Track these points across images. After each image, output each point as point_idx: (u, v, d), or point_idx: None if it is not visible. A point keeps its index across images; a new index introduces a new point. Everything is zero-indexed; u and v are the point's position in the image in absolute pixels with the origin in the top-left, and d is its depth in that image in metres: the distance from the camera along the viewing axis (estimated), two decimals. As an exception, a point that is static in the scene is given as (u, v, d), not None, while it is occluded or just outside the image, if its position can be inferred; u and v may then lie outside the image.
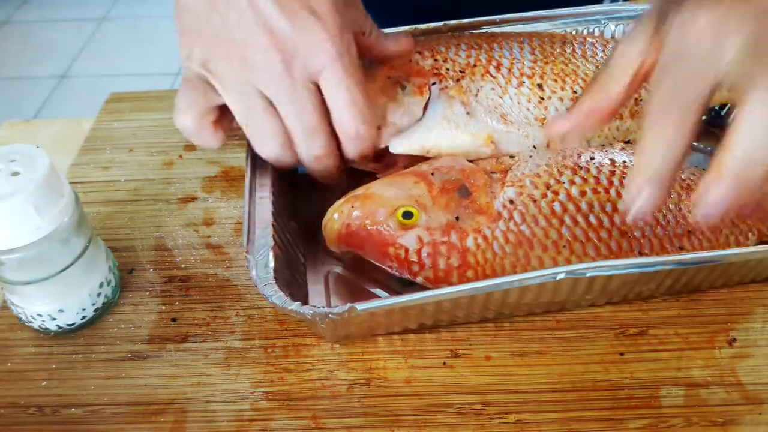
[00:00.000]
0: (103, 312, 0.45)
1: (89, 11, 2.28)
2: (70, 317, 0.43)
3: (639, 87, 0.38)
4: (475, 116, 0.48)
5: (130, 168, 0.56)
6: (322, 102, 0.43)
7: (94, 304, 0.44)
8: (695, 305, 0.43)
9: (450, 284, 0.40)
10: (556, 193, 0.43)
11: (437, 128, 0.48)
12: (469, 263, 0.41)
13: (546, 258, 0.41)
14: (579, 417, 0.38)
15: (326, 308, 0.38)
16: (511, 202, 0.42)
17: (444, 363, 0.41)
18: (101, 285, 0.44)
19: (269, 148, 0.44)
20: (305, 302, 0.39)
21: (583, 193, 0.43)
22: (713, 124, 0.53)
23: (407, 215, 0.42)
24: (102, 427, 0.39)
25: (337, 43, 0.41)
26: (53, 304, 0.42)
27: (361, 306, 0.37)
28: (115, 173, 0.56)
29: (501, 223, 0.42)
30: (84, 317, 0.44)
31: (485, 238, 0.41)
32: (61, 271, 0.41)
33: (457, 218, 0.42)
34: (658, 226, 0.43)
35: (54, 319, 0.43)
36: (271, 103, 0.43)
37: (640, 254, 0.42)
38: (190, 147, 0.57)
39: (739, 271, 0.43)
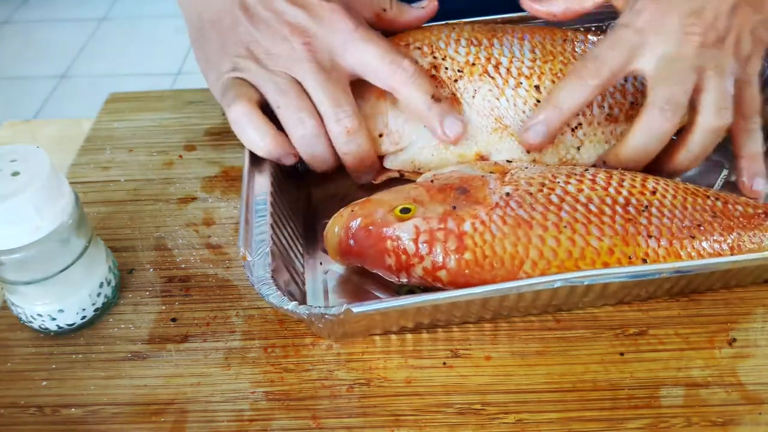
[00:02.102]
0: (103, 312, 0.45)
1: (89, 11, 2.27)
2: (70, 317, 0.43)
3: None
4: (467, 132, 0.48)
5: (130, 168, 0.56)
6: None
7: (94, 304, 0.44)
8: (695, 305, 0.43)
9: (449, 270, 0.40)
10: (552, 189, 0.43)
11: (428, 147, 0.49)
12: (466, 246, 0.40)
13: (548, 237, 0.40)
14: (579, 417, 0.38)
15: (322, 309, 0.38)
16: (508, 194, 0.42)
17: (444, 363, 0.41)
18: (101, 285, 0.44)
19: (303, 129, 0.46)
20: (303, 302, 0.39)
21: (579, 190, 0.43)
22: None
23: (405, 210, 0.42)
24: (102, 427, 0.39)
25: (350, 18, 0.46)
26: (53, 304, 0.42)
27: (357, 308, 0.37)
28: (115, 173, 0.56)
29: (498, 209, 0.41)
30: (84, 317, 0.44)
31: (483, 222, 0.41)
32: (61, 271, 0.41)
33: (453, 207, 0.42)
34: (665, 218, 0.42)
35: (54, 319, 0.43)
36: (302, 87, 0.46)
37: (649, 236, 0.41)
38: (190, 147, 0.57)
39: (736, 276, 0.43)
